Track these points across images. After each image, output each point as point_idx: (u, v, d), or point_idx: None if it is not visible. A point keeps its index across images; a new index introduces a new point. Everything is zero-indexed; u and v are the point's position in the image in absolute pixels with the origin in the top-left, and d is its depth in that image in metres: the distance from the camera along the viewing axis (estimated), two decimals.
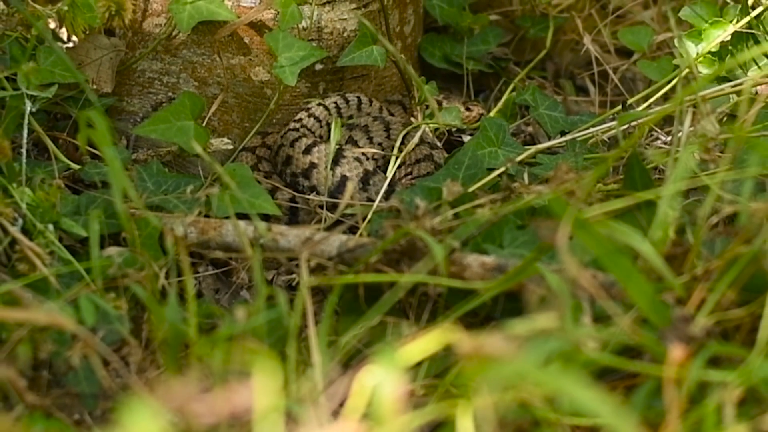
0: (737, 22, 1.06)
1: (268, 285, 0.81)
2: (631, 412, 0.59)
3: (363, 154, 1.00)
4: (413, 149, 1.02)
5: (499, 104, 1.13)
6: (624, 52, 1.24)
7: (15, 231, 0.78)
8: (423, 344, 0.52)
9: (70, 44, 1.08)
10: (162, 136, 0.95)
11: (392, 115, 1.09)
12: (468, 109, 1.11)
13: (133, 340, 0.74)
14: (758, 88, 1.03)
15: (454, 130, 1.10)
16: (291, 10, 1.02)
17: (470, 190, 0.90)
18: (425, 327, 0.72)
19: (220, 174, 0.84)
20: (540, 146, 1.01)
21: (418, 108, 1.09)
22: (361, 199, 0.96)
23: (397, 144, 1.02)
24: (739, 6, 1.06)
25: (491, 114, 1.11)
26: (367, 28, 1.06)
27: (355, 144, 1.02)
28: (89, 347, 0.68)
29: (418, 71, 1.16)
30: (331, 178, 0.95)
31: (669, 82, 1.08)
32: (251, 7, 1.03)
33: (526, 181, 0.94)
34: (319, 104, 1.05)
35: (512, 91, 1.13)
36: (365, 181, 0.97)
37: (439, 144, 1.05)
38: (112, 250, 0.74)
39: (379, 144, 1.04)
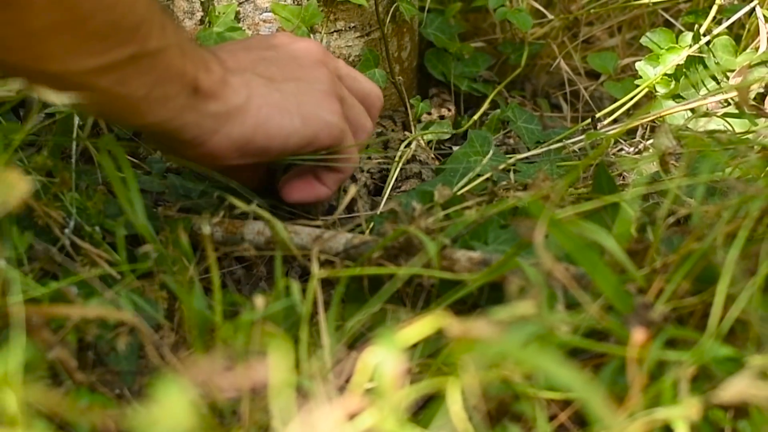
0: (690, 47, 1.06)
1: (284, 277, 0.80)
2: (599, 386, 0.59)
3: (355, 177, 0.99)
4: (406, 165, 1.01)
5: (477, 115, 1.13)
6: (592, 74, 1.24)
7: (70, 234, 0.78)
8: (418, 328, 0.52)
9: None
10: None
11: (384, 127, 1.08)
12: (448, 109, 1.11)
13: (167, 324, 0.73)
14: (708, 105, 1.03)
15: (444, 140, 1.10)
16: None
17: (459, 193, 0.90)
18: (420, 313, 0.72)
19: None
20: (519, 155, 1.01)
21: (414, 123, 1.09)
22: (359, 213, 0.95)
23: (396, 159, 1.02)
24: (692, 34, 1.06)
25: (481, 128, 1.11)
26: (371, 54, 1.06)
27: None
28: (135, 330, 0.68)
29: (415, 88, 1.16)
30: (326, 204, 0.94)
31: (631, 99, 1.08)
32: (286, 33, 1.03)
33: (513, 180, 0.94)
34: None
35: (497, 107, 1.12)
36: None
37: (429, 161, 1.05)
38: (148, 248, 0.74)
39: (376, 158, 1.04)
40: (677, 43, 1.06)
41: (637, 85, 1.07)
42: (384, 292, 0.69)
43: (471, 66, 1.17)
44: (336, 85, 0.83)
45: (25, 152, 0.84)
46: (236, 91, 0.76)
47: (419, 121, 1.10)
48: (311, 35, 1.02)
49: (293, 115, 0.79)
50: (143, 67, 0.68)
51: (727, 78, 1.06)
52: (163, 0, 1.06)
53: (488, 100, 1.12)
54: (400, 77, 1.10)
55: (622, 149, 1.07)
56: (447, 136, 1.09)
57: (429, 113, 1.11)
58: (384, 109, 1.12)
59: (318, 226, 0.84)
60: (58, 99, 0.59)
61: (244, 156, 0.78)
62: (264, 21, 1.03)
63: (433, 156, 1.05)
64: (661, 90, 1.06)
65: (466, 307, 0.75)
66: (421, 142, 1.05)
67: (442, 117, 1.11)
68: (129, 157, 0.95)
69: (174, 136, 0.74)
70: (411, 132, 1.08)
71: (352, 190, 0.78)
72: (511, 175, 0.97)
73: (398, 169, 0.99)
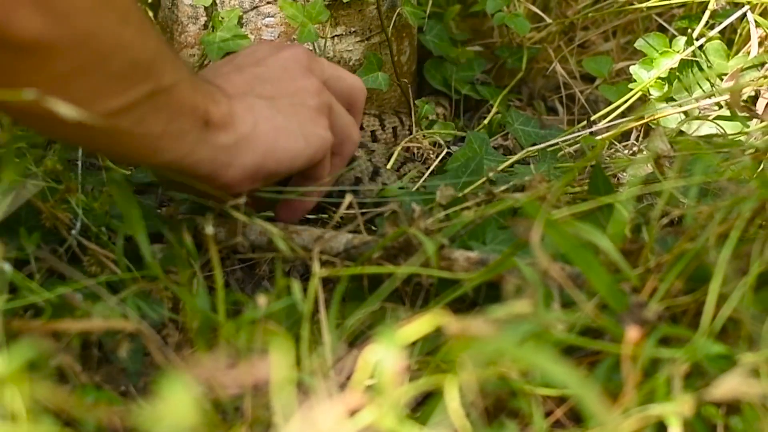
0: (684, 51, 1.06)
1: (286, 276, 0.80)
2: (594, 383, 0.59)
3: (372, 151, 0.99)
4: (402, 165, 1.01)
5: (486, 120, 1.13)
6: (588, 78, 1.23)
7: (77, 236, 0.78)
8: (417, 326, 0.52)
9: None
10: None
11: (381, 124, 1.08)
12: (444, 107, 1.11)
13: (171, 324, 0.73)
14: (701, 108, 1.03)
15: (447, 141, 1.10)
16: (305, 45, 1.02)
17: (462, 194, 0.90)
18: (419, 312, 0.72)
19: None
20: (515, 157, 1.01)
21: (418, 124, 1.09)
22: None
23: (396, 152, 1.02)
24: (685, 38, 1.06)
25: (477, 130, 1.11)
26: (374, 57, 1.05)
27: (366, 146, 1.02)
28: (137, 330, 0.68)
29: (414, 93, 1.16)
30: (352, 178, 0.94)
31: (625, 102, 1.08)
32: (272, 41, 1.03)
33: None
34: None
35: (497, 113, 1.12)
36: (376, 173, 0.96)
37: (417, 159, 1.04)
38: (154, 248, 0.74)
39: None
40: (671, 47, 1.06)
41: (632, 89, 1.07)
42: (383, 290, 0.69)
43: (468, 70, 1.17)
44: (324, 95, 0.82)
45: (32, 154, 0.84)
46: (243, 119, 0.75)
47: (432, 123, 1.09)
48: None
49: (297, 136, 0.78)
50: (159, 103, 0.68)
51: (721, 80, 1.06)
52: (168, 5, 1.06)
53: (495, 108, 1.12)
54: (404, 80, 1.10)
55: (617, 151, 1.07)
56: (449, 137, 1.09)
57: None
58: (384, 111, 1.12)
59: (321, 222, 0.84)
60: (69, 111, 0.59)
61: (255, 182, 0.77)
62: (266, 26, 1.03)
63: (433, 156, 1.05)
64: (654, 93, 1.06)
65: (464, 305, 0.75)
66: (425, 143, 1.05)
67: (437, 115, 1.11)
68: None
69: (189, 173, 0.73)
70: (415, 132, 1.08)
71: (348, 199, 0.78)
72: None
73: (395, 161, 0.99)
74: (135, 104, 0.66)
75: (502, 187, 0.91)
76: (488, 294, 0.74)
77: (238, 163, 0.75)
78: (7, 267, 0.64)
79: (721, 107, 1.03)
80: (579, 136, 1.04)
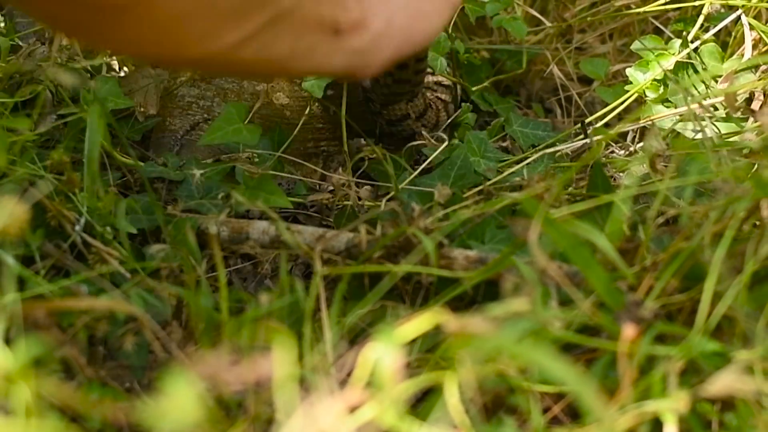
0: (679, 54, 1.06)
1: (288, 274, 0.80)
2: (591, 380, 0.59)
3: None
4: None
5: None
6: (585, 80, 1.23)
7: (81, 232, 0.78)
8: (417, 324, 0.52)
9: (122, 74, 1.08)
10: (222, 139, 0.94)
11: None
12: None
13: (175, 322, 0.73)
14: (697, 109, 1.03)
15: None
16: None
17: (464, 195, 0.90)
18: (419, 310, 0.72)
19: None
20: (514, 157, 1.01)
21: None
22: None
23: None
24: (681, 40, 1.06)
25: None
26: (445, 41, 1.06)
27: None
28: (142, 326, 0.68)
29: None
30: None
31: (622, 104, 1.08)
32: None
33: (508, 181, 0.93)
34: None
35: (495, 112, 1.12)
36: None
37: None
38: (156, 248, 0.74)
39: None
40: (666, 49, 1.06)
41: (628, 90, 1.07)
42: (384, 289, 0.69)
43: (478, 73, 1.16)
44: None
45: (35, 151, 0.84)
46: (376, 15, 0.69)
47: (457, 125, 1.09)
48: None
49: (431, 15, 0.73)
50: (282, 27, 0.63)
51: (716, 82, 1.06)
52: None
53: (500, 114, 1.12)
54: (462, 78, 1.09)
55: (613, 152, 1.07)
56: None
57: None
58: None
59: (324, 226, 0.84)
60: None
61: (391, 65, 0.72)
62: None
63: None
64: (650, 95, 1.06)
65: (463, 303, 0.75)
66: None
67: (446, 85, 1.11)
68: (142, 150, 0.95)
69: (325, 76, 0.72)
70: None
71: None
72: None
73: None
74: (254, 35, 0.61)
75: (495, 179, 0.90)
76: (487, 292, 0.74)
77: (373, 62, 0.70)
78: (11, 260, 0.64)
79: (716, 109, 1.03)
80: (576, 137, 1.04)
